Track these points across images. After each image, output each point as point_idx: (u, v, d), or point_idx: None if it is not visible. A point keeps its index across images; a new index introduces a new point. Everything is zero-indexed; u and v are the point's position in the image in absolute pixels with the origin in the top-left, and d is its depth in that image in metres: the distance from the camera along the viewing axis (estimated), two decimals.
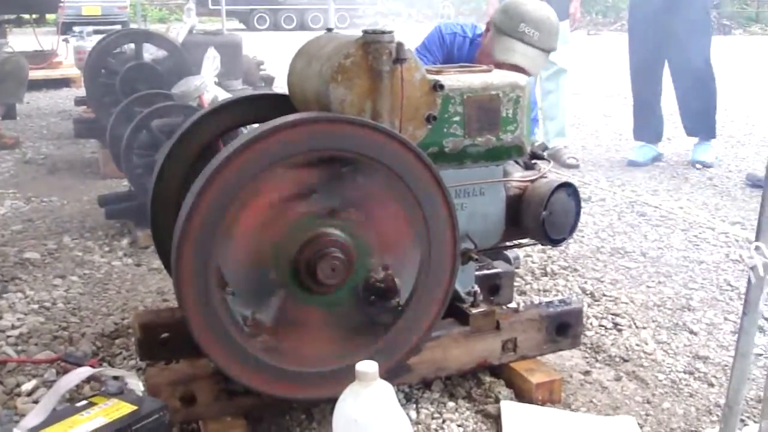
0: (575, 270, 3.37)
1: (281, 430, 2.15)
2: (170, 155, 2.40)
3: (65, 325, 2.79)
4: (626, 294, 3.09)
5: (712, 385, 2.42)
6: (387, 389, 1.76)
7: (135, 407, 1.79)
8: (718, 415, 2.21)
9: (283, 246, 1.98)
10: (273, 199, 2.01)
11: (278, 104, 2.37)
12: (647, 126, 5.49)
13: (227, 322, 1.93)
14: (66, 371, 2.20)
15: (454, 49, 3.28)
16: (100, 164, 5.00)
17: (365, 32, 2.02)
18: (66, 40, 8.75)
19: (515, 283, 3.11)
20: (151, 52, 4.93)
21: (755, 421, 2.21)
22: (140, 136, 3.64)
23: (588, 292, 3.12)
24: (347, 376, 1.75)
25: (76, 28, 8.01)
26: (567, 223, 2.39)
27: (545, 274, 3.31)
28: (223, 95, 3.74)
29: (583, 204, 4.29)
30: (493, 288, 2.75)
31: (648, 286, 3.19)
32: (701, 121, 5.35)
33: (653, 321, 2.86)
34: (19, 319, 2.85)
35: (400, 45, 2.02)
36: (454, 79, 2.20)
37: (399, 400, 2.24)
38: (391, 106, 2.05)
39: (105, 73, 5.01)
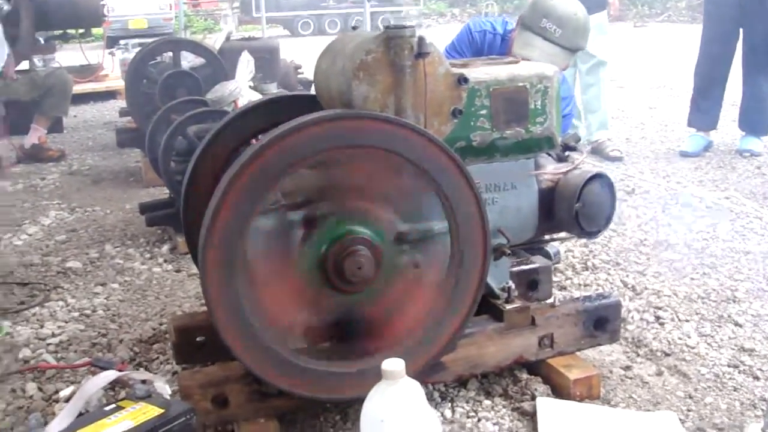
0: (617, 264, 3.30)
1: (315, 431, 2.14)
2: (201, 157, 2.41)
3: (104, 332, 2.82)
4: (669, 287, 3.02)
5: (757, 378, 2.34)
6: (414, 387, 1.74)
7: (162, 410, 1.79)
8: (763, 409, 2.14)
9: (310, 245, 1.98)
10: (300, 197, 2.01)
11: (310, 104, 2.36)
12: (705, 113, 5.34)
13: (255, 323, 1.92)
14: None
15: (485, 47, 3.23)
16: (142, 173, 5.06)
17: (386, 27, 2.00)
18: (112, 53, 8.90)
19: (555, 279, 3.07)
20: (189, 60, 4.97)
21: None
22: (177, 143, 3.66)
23: (630, 285, 3.05)
24: (379, 375, 1.73)
25: (122, 42, 8.14)
26: (602, 215, 2.33)
27: (586, 269, 3.25)
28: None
29: (626, 196, 4.26)
30: (532, 283, 2.70)
31: (692, 278, 3.11)
32: (757, 117, 5.21)
33: (697, 314, 2.78)
34: (59, 327, 2.88)
35: (421, 39, 1.99)
36: (480, 71, 2.16)
37: (434, 399, 2.24)
38: (414, 102, 2.03)
39: (146, 83, 5.06)
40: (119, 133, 5.40)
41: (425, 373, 2.15)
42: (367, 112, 1.97)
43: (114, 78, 9.10)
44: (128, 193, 4.86)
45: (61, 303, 3.12)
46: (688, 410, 2.19)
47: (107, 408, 1.80)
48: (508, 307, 2.27)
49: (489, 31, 3.24)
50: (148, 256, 3.65)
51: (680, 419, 2.12)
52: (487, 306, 2.30)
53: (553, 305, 2.35)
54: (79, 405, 1.75)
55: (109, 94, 9.10)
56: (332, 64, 2.17)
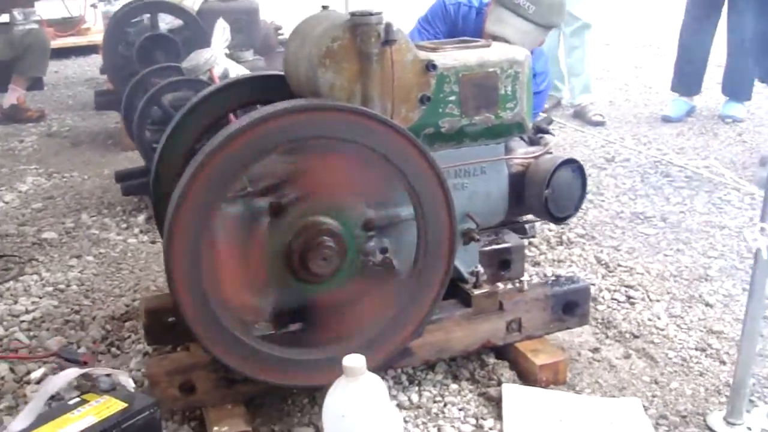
0: (592, 237, 3.31)
1: (282, 416, 2.16)
2: (172, 136, 2.40)
3: (77, 309, 2.82)
4: (642, 264, 3.02)
5: (723, 362, 2.36)
6: (375, 383, 1.75)
7: (126, 404, 1.79)
8: (727, 396, 2.16)
9: (277, 234, 1.97)
10: (264, 186, 1.99)
11: (282, 85, 2.32)
12: (689, 78, 5.28)
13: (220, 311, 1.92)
14: (63, 367, 2.24)
15: (459, 20, 3.17)
16: (121, 135, 5.00)
17: (352, 14, 1.97)
18: (94, 5, 8.73)
19: (529, 254, 3.09)
20: (167, 22, 4.88)
21: (767, 402, 2.16)
22: (152, 111, 3.63)
23: (603, 262, 3.05)
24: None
25: None
26: (571, 201, 2.33)
27: (561, 243, 3.25)
28: (234, 67, 3.70)
29: (606, 164, 4.25)
30: (504, 263, 2.71)
31: (665, 255, 3.11)
32: (741, 83, 5.16)
33: (668, 293, 2.80)
34: (33, 302, 2.88)
35: (388, 26, 1.96)
36: (449, 56, 2.13)
37: (402, 383, 2.26)
38: (381, 89, 2.01)
39: (123, 46, 4.98)
40: (98, 95, 5.32)
41: (392, 359, 2.17)
42: (331, 103, 1.94)
43: (96, 32, 8.91)
44: (106, 157, 4.81)
45: (35, 277, 3.10)
46: (653, 396, 2.21)
47: (71, 402, 1.81)
48: (476, 292, 2.28)
49: (464, 4, 3.17)
50: (124, 226, 3.63)
51: (644, 406, 2.14)
52: (456, 290, 2.31)
53: (521, 290, 2.35)
54: (41, 403, 1.76)
55: (91, 49, 8.93)
56: (300, 47, 2.13)
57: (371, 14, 1.95)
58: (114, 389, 1.85)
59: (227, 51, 3.80)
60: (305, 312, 2.08)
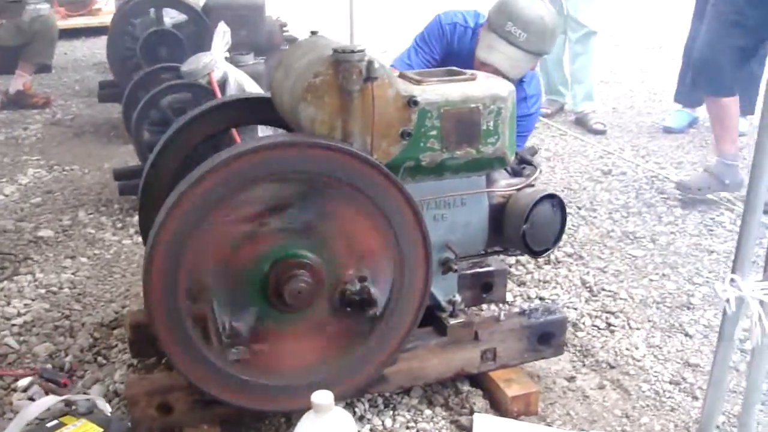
0: (580, 257, 3.33)
1: None
2: (165, 148, 2.44)
3: (68, 314, 2.87)
4: (626, 288, 3.05)
5: (696, 398, 2.39)
6: (344, 418, 1.80)
7: (102, 429, 1.84)
8: None
9: (255, 262, 2.01)
10: (245, 214, 2.02)
11: (271, 108, 2.36)
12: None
13: (195, 335, 1.97)
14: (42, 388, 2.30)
15: (455, 40, 3.17)
16: (123, 128, 5.03)
17: (335, 51, 1.99)
18: None
19: (516, 272, 3.12)
20: (172, 16, 4.91)
21: None
22: (150, 113, 3.66)
23: (588, 285, 3.07)
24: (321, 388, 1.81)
25: None
26: (550, 236, 2.35)
27: (548, 262, 3.27)
28: (233, 72, 3.72)
29: (602, 177, 4.26)
30: (486, 286, 2.76)
31: (651, 280, 3.13)
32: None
33: (649, 321, 2.82)
34: (25, 305, 2.94)
35: (370, 63, 1.98)
36: (432, 91, 2.14)
37: (377, 406, 2.31)
38: (362, 125, 2.03)
39: (128, 40, 5.02)
40: (101, 87, 5.36)
41: (366, 386, 2.21)
42: (305, 139, 1.98)
43: (108, 12, 8.94)
44: (108, 150, 4.86)
45: (29, 277, 3.16)
46: (622, 431, 2.25)
47: (49, 424, 1.86)
48: (452, 321, 2.31)
49: (460, 24, 3.17)
50: (119, 225, 3.68)
51: None
52: (432, 318, 2.34)
53: (497, 319, 2.38)
54: (17, 430, 1.82)
55: (102, 30, 8.96)
56: (284, 78, 2.17)
57: (353, 51, 1.97)
58: (91, 412, 1.90)
59: (227, 54, 3.82)
60: (280, 338, 2.13)
